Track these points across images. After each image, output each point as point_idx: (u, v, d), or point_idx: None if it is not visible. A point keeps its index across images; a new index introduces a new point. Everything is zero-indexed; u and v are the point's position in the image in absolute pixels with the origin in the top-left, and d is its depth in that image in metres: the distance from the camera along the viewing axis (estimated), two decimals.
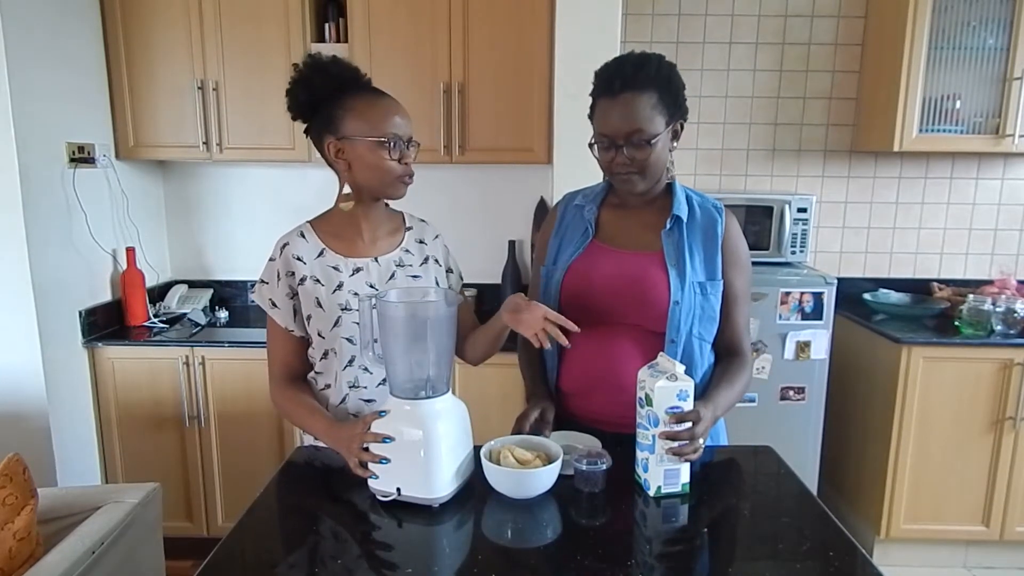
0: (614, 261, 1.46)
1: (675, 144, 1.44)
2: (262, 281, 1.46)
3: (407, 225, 1.56)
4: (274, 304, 1.45)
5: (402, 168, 1.40)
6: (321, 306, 1.43)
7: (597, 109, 1.40)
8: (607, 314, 1.45)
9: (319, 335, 1.45)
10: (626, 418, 1.38)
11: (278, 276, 1.44)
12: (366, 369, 1.46)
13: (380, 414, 1.23)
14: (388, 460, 1.20)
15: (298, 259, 1.44)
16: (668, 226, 1.45)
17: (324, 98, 1.39)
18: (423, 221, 1.60)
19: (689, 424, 1.22)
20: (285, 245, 1.45)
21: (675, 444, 1.21)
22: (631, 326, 1.44)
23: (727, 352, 1.50)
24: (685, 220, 1.45)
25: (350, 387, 1.47)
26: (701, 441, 1.24)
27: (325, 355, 1.47)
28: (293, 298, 1.45)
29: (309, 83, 1.39)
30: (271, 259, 1.46)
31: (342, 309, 1.43)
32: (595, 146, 1.42)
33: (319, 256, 1.45)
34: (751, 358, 1.51)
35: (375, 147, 1.37)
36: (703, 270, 1.44)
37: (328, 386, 1.48)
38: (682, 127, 1.44)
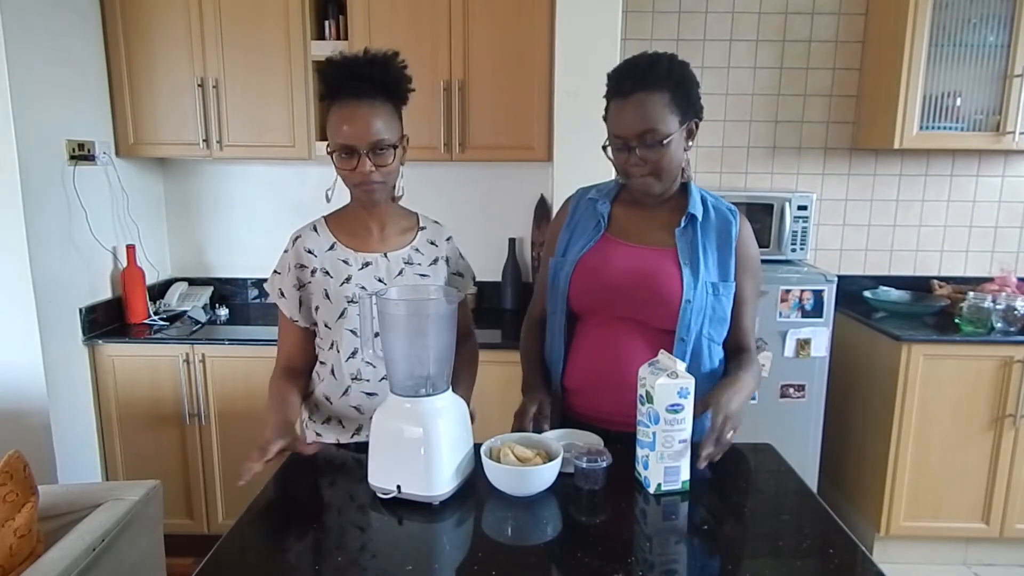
0: (627, 255, 1.45)
1: (690, 144, 1.42)
2: (275, 271, 1.53)
3: (421, 225, 1.59)
4: (282, 294, 1.51)
5: (351, 175, 1.40)
6: (328, 298, 1.47)
7: (610, 110, 1.40)
8: (616, 309, 1.44)
9: (325, 326, 1.49)
10: (631, 417, 1.38)
11: (288, 267, 1.50)
12: (369, 362, 1.48)
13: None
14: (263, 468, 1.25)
15: (309, 252, 1.49)
16: (683, 224, 1.44)
17: (328, 101, 1.42)
18: (437, 223, 1.63)
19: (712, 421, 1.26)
20: (298, 238, 1.51)
21: (712, 450, 1.24)
22: (639, 323, 1.43)
23: (735, 351, 1.51)
24: (700, 220, 1.44)
25: (352, 379, 1.49)
26: (729, 436, 1.27)
27: (332, 346, 1.50)
28: (300, 289, 1.49)
29: (321, 91, 1.45)
30: (284, 251, 1.52)
31: (348, 301, 1.46)
32: (609, 147, 1.41)
33: (330, 249, 1.49)
34: (755, 354, 1.52)
35: (335, 155, 1.41)
36: (716, 271, 1.44)
37: (332, 376, 1.51)
38: (697, 126, 1.43)
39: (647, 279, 1.41)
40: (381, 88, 1.40)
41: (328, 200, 1.49)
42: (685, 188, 1.49)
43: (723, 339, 1.49)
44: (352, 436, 1.53)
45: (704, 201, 1.48)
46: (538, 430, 1.39)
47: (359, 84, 1.38)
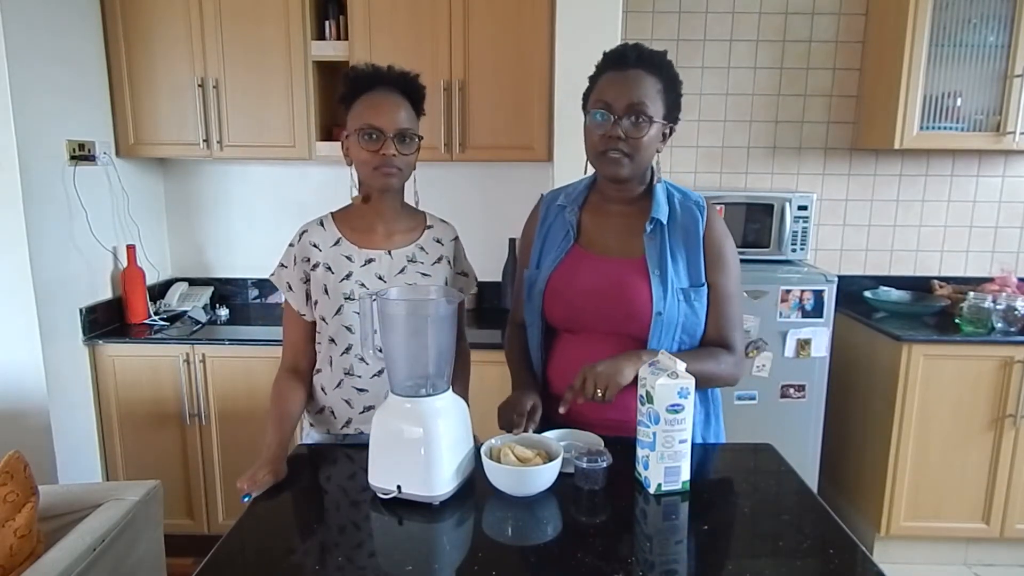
0: (596, 269, 1.44)
1: (661, 147, 1.41)
2: (281, 265, 1.56)
3: (428, 224, 1.61)
4: (290, 287, 1.53)
5: (372, 158, 1.42)
6: (327, 293, 1.50)
7: (601, 81, 1.39)
8: (590, 323, 1.44)
9: (323, 320, 1.52)
10: (613, 421, 1.39)
11: (295, 260, 1.52)
12: (363, 359, 1.51)
13: (244, 499, 1.26)
14: (250, 496, 1.25)
15: (314, 246, 1.52)
16: (649, 229, 1.42)
17: (350, 100, 1.46)
18: (444, 222, 1.65)
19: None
20: (304, 232, 1.53)
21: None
22: (614, 335, 1.43)
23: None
24: (666, 222, 1.43)
25: (345, 374, 1.52)
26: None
27: (329, 340, 1.53)
28: (306, 283, 1.52)
29: (342, 91, 1.47)
30: (290, 244, 1.54)
31: (345, 298, 1.49)
32: (588, 116, 1.39)
33: (335, 245, 1.52)
34: (740, 353, 1.47)
35: (356, 138, 1.43)
36: (686, 275, 1.42)
37: (328, 367, 1.54)
38: (671, 132, 1.42)
39: (617, 294, 1.41)
40: (405, 95, 1.47)
41: (352, 199, 1.54)
42: (651, 188, 1.46)
43: (700, 341, 1.46)
44: (342, 428, 1.56)
45: (671, 199, 1.46)
46: (522, 428, 1.36)
47: (386, 86, 1.46)
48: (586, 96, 1.43)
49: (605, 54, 1.41)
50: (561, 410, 1.33)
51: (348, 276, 1.50)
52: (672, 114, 1.40)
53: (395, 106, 1.43)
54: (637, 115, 1.33)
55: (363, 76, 1.45)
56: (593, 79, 1.42)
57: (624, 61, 1.36)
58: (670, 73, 1.38)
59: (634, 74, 1.35)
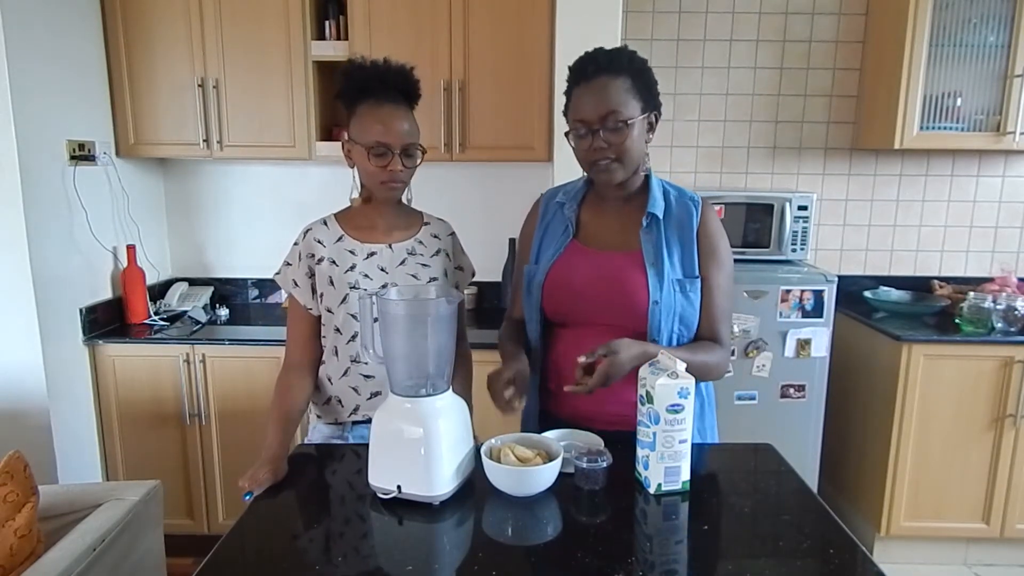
0: (593, 263, 1.46)
1: (651, 137, 1.43)
2: (286, 263, 1.60)
3: (425, 221, 1.67)
4: (295, 283, 1.57)
5: (381, 173, 1.47)
6: (332, 284, 1.54)
7: (572, 98, 1.41)
8: (587, 316, 1.45)
9: (328, 311, 1.56)
10: (613, 415, 1.40)
11: (299, 257, 1.57)
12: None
13: (245, 497, 1.28)
14: (251, 494, 1.27)
15: (318, 242, 1.57)
16: (645, 224, 1.45)
17: (350, 101, 1.49)
18: (441, 220, 1.70)
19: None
20: (308, 230, 1.59)
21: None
22: (612, 327, 1.43)
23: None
24: (662, 217, 1.45)
25: (352, 361, 1.56)
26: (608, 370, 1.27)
27: (334, 329, 1.56)
28: (311, 277, 1.56)
29: (340, 88, 1.50)
30: (295, 243, 1.59)
31: (350, 287, 1.53)
32: (571, 135, 1.41)
33: (338, 241, 1.58)
34: (728, 347, 1.49)
35: (364, 151, 1.47)
36: (681, 267, 1.44)
37: (334, 357, 1.57)
38: (657, 120, 1.43)
39: (613, 285, 1.43)
40: (403, 95, 1.50)
41: (351, 202, 1.60)
42: (647, 185, 1.49)
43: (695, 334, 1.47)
44: (349, 415, 1.58)
45: (666, 194, 1.48)
46: (509, 403, 1.36)
47: (386, 88, 1.48)
48: (565, 112, 1.45)
49: (569, 68, 1.42)
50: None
51: (352, 268, 1.55)
52: (651, 102, 1.41)
53: (400, 120, 1.47)
54: (614, 123, 1.35)
55: (362, 75, 1.47)
56: (567, 95, 1.44)
57: (585, 74, 1.37)
58: (634, 65, 1.39)
59: (599, 83, 1.36)
